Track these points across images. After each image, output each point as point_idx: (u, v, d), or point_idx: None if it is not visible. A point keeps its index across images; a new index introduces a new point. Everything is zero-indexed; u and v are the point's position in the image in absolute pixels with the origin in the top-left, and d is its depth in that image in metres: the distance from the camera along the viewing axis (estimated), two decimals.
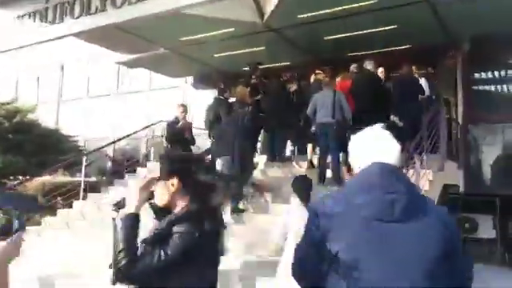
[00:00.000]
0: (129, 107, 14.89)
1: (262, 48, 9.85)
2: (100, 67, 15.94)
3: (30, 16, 9.65)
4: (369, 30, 8.63)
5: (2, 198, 2.59)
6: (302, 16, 8.22)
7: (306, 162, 7.73)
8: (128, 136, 10.96)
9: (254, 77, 8.75)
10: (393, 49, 9.35)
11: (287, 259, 3.33)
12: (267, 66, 9.46)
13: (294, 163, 8.05)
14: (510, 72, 9.25)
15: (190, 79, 13.50)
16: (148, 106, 14.44)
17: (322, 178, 6.60)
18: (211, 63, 11.52)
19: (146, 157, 12.45)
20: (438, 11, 7.67)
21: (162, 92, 14.30)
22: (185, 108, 8.10)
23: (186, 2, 7.57)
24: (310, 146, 7.74)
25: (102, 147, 10.45)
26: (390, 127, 1.77)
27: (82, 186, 8.68)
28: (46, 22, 9.41)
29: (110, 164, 14.65)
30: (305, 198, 3.89)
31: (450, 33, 8.70)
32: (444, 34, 8.74)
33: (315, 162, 7.35)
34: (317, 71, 8.02)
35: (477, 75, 9.57)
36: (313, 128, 6.94)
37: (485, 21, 8.01)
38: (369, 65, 7.27)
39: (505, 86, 9.36)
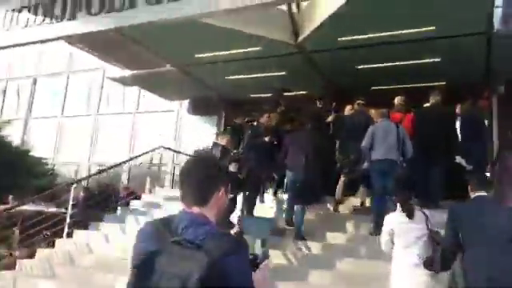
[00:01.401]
0: (111, 130, 13.38)
1: (282, 73, 8.87)
2: (79, 82, 14.43)
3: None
4: (409, 62, 7.89)
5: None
6: (342, 39, 7.32)
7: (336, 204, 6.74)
8: (116, 166, 9.49)
9: (282, 104, 7.72)
10: (425, 85, 8.61)
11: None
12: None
13: (328, 205, 6.96)
14: None
15: (185, 103, 12.29)
16: (134, 129, 13.03)
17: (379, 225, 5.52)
18: (218, 87, 10.40)
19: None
20: (492, 45, 7.02)
21: (151, 115, 12.97)
22: None
23: (207, 9, 5.61)
24: (361, 188, 6.69)
25: (93, 175, 8.87)
26: None
27: (68, 220, 7.08)
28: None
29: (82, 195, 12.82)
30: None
31: (489, 72, 8.12)
32: (484, 72, 8.15)
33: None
34: (358, 100, 7.04)
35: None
36: (365, 165, 5.91)
37: None
38: (435, 98, 6.37)
39: None
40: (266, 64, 8.49)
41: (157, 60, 9.01)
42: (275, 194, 7.47)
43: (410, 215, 3.64)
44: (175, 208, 1.60)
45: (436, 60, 7.73)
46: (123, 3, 5.62)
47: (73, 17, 6.05)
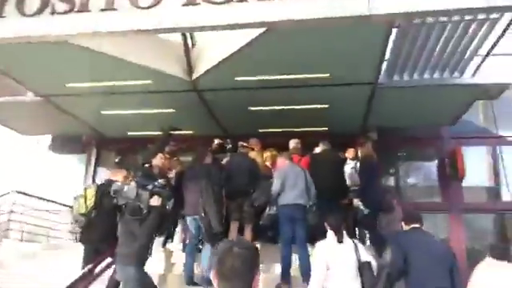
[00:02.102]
0: None
1: (170, 110, 8.17)
2: None
3: None
4: (300, 106, 7.99)
5: None
6: (238, 79, 7.04)
7: None
8: None
9: (172, 144, 6.99)
10: (310, 129, 8.84)
11: None
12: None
13: None
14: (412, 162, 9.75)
15: (44, 139, 10.55)
16: None
17: (286, 276, 5.14)
18: (91, 122, 9.14)
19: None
20: (375, 95, 7.53)
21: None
22: None
23: (88, 29, 4.35)
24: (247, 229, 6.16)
25: None
26: None
27: None
28: None
29: None
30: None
31: (366, 120, 8.73)
32: (361, 120, 8.72)
33: None
34: (241, 143, 6.74)
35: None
36: (273, 210, 5.54)
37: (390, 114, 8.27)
38: (326, 145, 6.47)
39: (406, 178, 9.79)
40: (153, 99, 7.72)
41: (17, 86, 7.48)
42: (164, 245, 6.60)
43: (340, 239, 3.93)
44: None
45: (324, 106, 7.98)
46: None
47: None
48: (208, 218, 5.23)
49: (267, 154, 7.18)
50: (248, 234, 5.96)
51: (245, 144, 6.61)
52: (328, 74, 6.75)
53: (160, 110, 8.14)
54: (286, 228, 5.35)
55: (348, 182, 6.60)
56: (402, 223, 3.89)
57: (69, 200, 9.86)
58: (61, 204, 9.52)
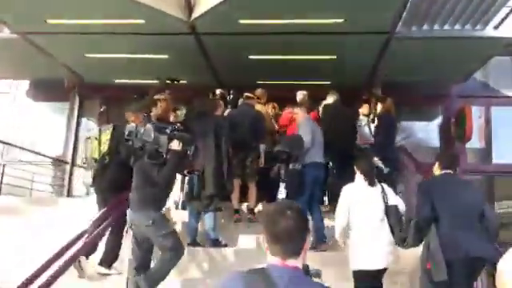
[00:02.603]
0: None
1: (164, 56, 7.43)
2: None
3: None
4: (305, 57, 7.37)
5: None
6: (242, 22, 6.32)
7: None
8: None
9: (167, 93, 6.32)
10: (312, 83, 8.25)
11: None
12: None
13: None
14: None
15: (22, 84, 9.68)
16: None
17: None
18: (74, 66, 8.32)
19: None
20: (389, 46, 6.93)
21: None
22: None
23: None
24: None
25: None
26: None
27: None
28: None
29: None
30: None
31: (373, 75, 8.18)
32: (368, 75, 8.18)
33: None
34: (246, 94, 6.11)
35: None
36: (297, 166, 5.02)
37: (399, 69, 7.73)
38: (336, 95, 5.94)
39: None
40: (145, 42, 6.95)
41: None
42: None
43: (372, 183, 3.79)
44: None
45: (332, 57, 7.38)
46: None
47: None
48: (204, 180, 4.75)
49: (269, 107, 6.63)
50: (253, 192, 5.50)
51: (250, 94, 6.03)
52: (343, 20, 6.10)
53: (152, 56, 7.39)
54: (308, 187, 4.90)
55: (357, 140, 6.17)
56: (435, 166, 3.60)
57: (50, 151, 9.33)
58: (43, 155, 8.89)
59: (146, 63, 7.52)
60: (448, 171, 3.52)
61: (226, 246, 4.80)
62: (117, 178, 4.44)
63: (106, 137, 4.64)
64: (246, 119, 5.50)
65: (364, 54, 7.19)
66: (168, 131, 3.78)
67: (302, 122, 5.29)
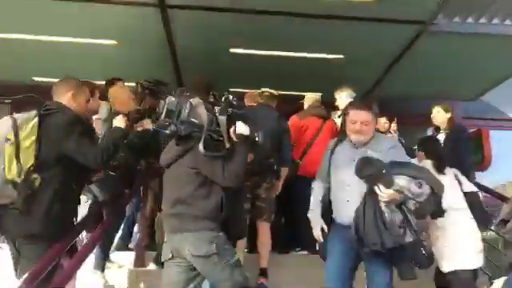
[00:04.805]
0: None
1: (109, 42, 5.27)
2: None
3: None
4: (297, 54, 5.60)
5: None
6: None
7: None
8: None
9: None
10: (296, 94, 6.31)
11: None
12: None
13: None
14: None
15: None
16: None
17: None
18: None
19: None
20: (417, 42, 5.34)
21: None
22: None
23: None
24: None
25: None
26: None
27: None
28: None
29: None
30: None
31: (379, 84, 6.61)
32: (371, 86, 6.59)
33: None
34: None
35: None
36: None
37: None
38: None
39: None
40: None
41: None
42: None
43: (442, 170, 3.16)
44: None
45: (338, 57, 5.67)
46: None
47: None
48: None
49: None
50: (265, 237, 3.33)
51: (269, 90, 3.98)
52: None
53: (93, 41, 5.21)
54: None
55: None
56: None
57: None
58: None
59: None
60: None
61: None
62: (61, 213, 2.30)
63: (30, 137, 2.37)
64: (267, 126, 3.43)
65: (379, 54, 5.59)
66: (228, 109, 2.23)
67: None
